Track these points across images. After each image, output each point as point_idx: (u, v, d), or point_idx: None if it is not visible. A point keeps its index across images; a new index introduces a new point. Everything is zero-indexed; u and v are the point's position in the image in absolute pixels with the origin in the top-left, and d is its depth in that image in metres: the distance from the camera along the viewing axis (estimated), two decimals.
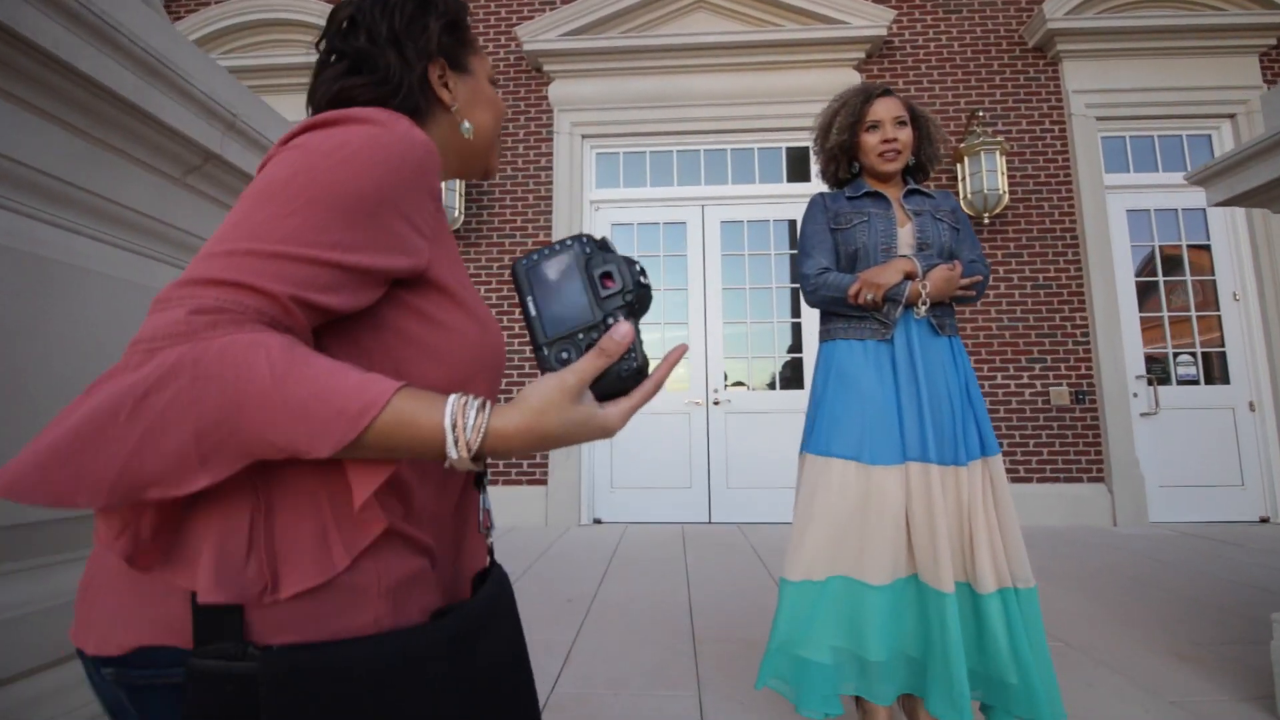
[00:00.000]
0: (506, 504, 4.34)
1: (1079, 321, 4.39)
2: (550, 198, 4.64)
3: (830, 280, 1.48)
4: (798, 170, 4.76)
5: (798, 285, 4.83)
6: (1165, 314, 4.50)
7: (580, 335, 0.51)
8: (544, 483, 4.38)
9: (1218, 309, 4.48)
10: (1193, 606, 2.43)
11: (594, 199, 4.74)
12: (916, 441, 1.37)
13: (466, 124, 0.68)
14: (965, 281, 1.45)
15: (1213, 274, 4.51)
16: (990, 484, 1.36)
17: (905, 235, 1.50)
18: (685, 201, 4.73)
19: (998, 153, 4.21)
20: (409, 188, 0.52)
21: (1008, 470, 4.24)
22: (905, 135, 1.52)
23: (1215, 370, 4.44)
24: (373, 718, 0.46)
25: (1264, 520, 4.26)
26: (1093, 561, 3.18)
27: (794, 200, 4.70)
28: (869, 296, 1.41)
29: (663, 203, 4.73)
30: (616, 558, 3.39)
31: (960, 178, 4.38)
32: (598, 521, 4.45)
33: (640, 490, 4.48)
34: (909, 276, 1.42)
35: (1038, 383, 4.34)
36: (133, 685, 0.46)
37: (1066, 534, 3.86)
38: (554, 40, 4.60)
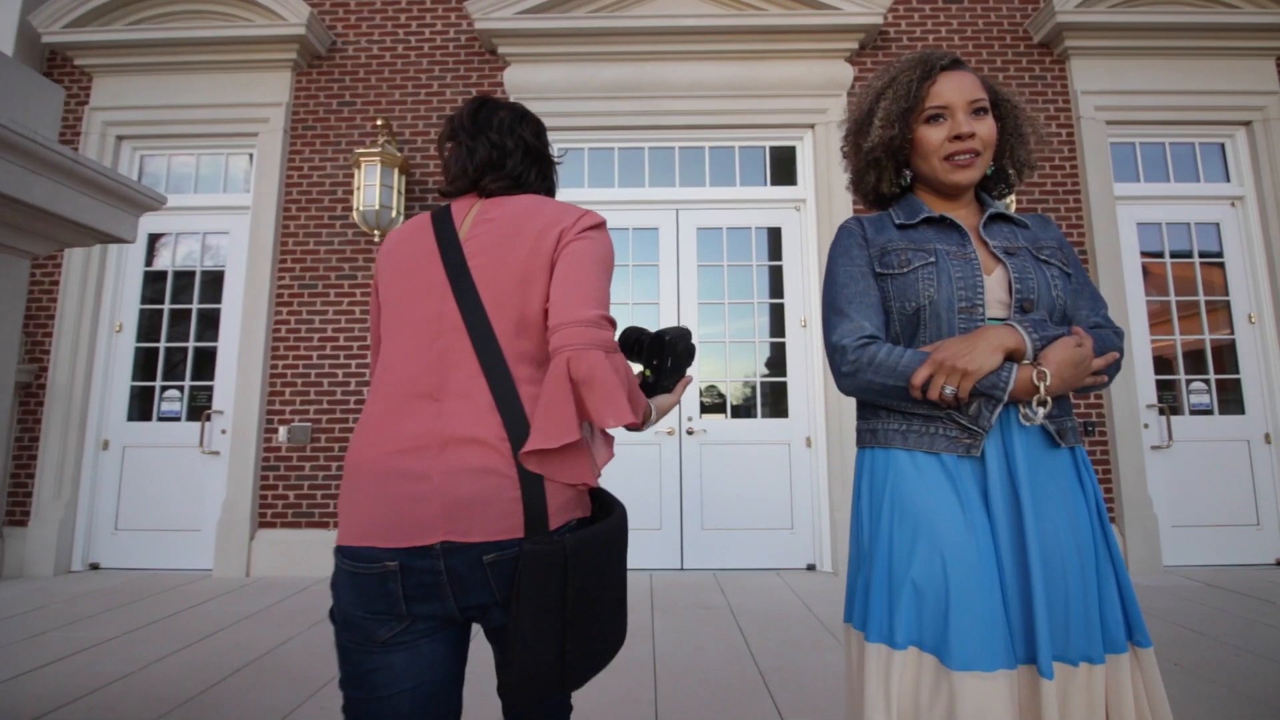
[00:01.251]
0: None
1: None
2: None
3: (881, 359, 0.97)
4: (783, 173, 4.28)
5: (777, 300, 4.45)
6: (1178, 337, 4.14)
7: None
8: None
9: (1232, 332, 4.14)
10: (1253, 707, 1.99)
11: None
12: (1027, 626, 0.87)
13: None
14: (1100, 363, 0.96)
15: (1227, 294, 4.17)
16: (1144, 692, 0.86)
17: (995, 286, 1.00)
18: (658, 204, 4.21)
19: None
20: None
21: None
22: (986, 129, 1.02)
23: (1229, 398, 4.09)
24: (609, 561, 0.91)
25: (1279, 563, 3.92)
26: None
27: (779, 206, 4.21)
28: (948, 390, 0.90)
29: (632, 205, 4.21)
30: None
31: None
32: None
33: None
34: (1012, 357, 0.92)
35: None
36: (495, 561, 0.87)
37: None
38: (510, 19, 4.03)
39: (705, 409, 4.08)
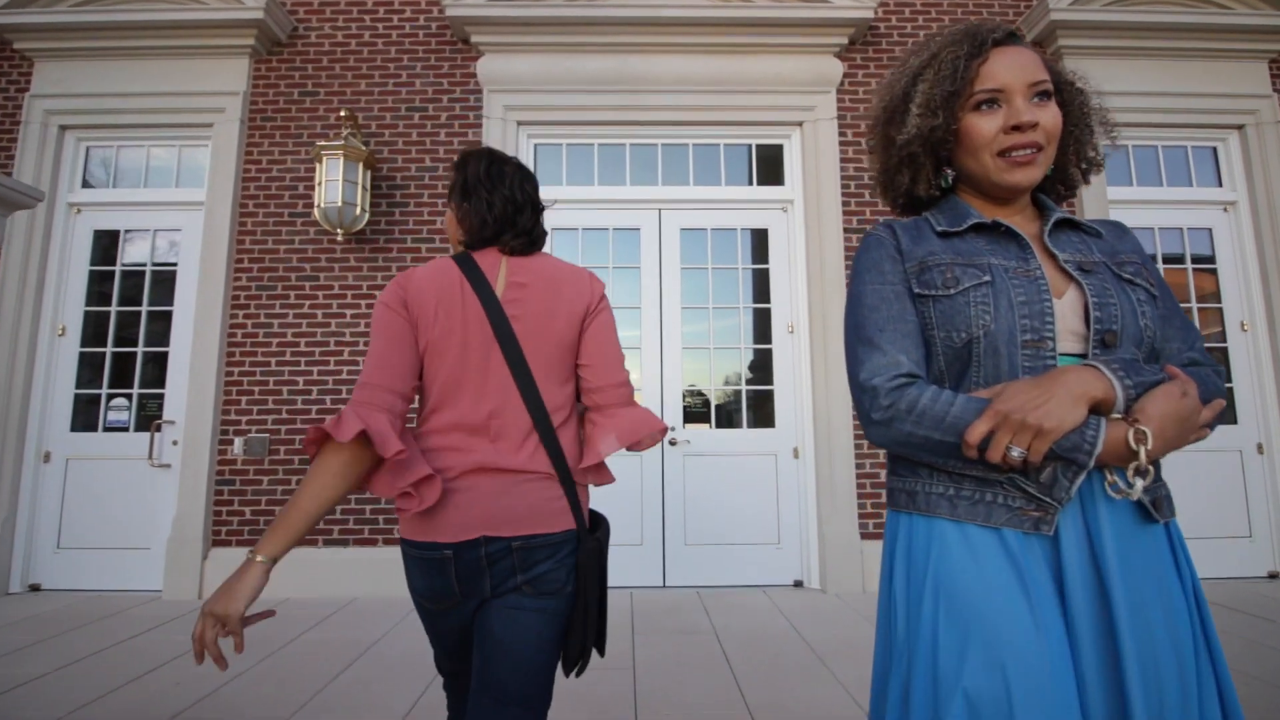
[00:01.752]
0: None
1: None
2: None
3: (925, 406, 0.77)
4: (769, 172, 4.11)
5: (763, 305, 4.30)
6: None
7: None
8: None
9: (1224, 340, 4.06)
10: None
11: None
12: None
13: None
14: (1208, 415, 0.77)
15: (1219, 301, 4.09)
16: None
17: (1068, 313, 0.80)
18: (639, 204, 4.02)
19: None
20: None
21: None
22: (1050, 118, 0.83)
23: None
24: (605, 549, 1.19)
25: (1273, 576, 3.85)
26: None
27: (765, 206, 4.05)
28: (1015, 452, 0.71)
29: (613, 204, 4.02)
30: None
31: None
32: None
33: None
34: (1098, 409, 0.72)
35: None
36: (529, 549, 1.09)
37: None
38: (484, 5, 3.81)
39: (689, 418, 3.91)
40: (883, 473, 3.71)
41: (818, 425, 3.75)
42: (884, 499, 3.38)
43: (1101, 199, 3.96)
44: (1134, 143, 4.18)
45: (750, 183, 4.10)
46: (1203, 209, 4.14)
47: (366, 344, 3.73)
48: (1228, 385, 4.02)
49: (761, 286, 4.04)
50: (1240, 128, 4.12)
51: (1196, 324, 4.03)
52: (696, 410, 3.93)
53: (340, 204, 3.51)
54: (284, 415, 3.66)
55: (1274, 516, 3.88)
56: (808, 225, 3.92)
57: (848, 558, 3.60)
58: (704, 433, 3.88)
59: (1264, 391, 3.95)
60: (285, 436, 3.64)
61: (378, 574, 3.52)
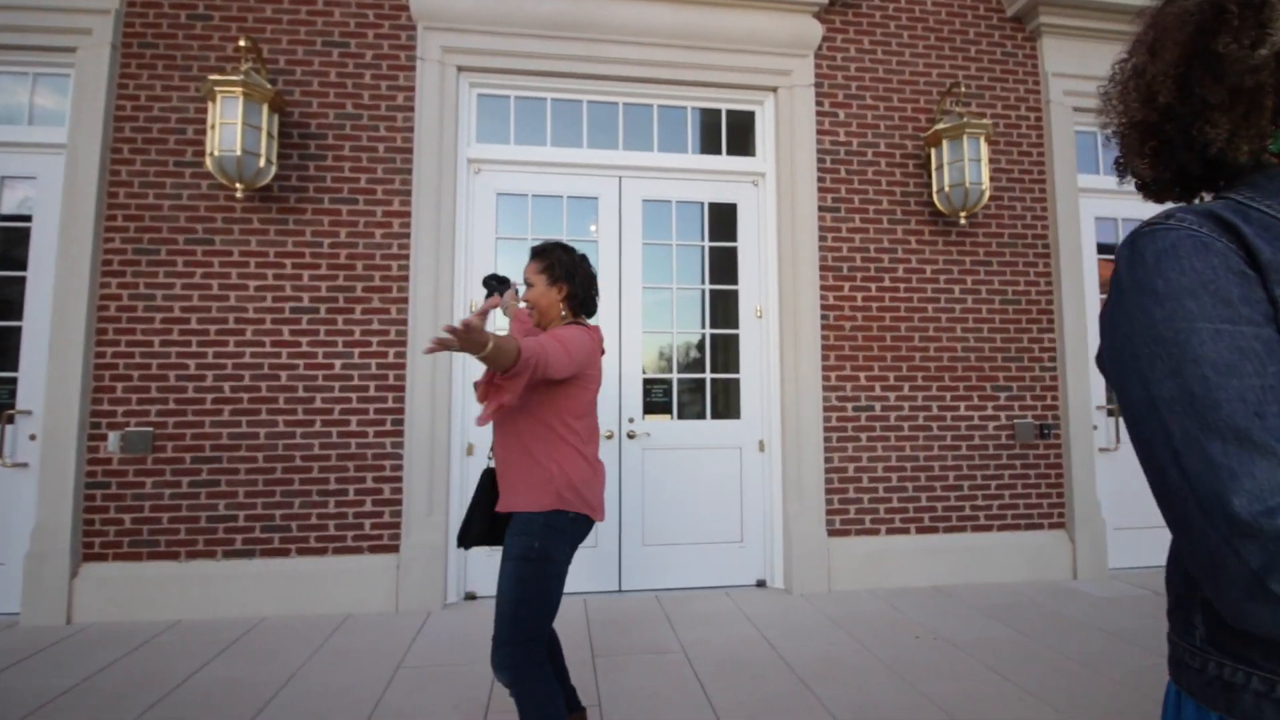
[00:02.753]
0: (339, 582, 3.10)
1: (1047, 344, 3.82)
2: (410, 151, 3.33)
3: None
4: (739, 142, 3.78)
5: (730, 287, 3.99)
6: None
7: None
8: (394, 549, 3.17)
9: None
10: None
11: (473, 157, 3.48)
12: None
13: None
14: None
15: None
16: None
17: None
18: (598, 170, 3.60)
19: (982, 138, 3.46)
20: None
21: (968, 518, 3.62)
22: None
23: None
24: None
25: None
26: (1072, 651, 2.54)
27: (735, 179, 3.72)
28: None
29: (568, 169, 3.58)
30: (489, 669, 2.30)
31: (935, 166, 3.61)
32: (471, 597, 3.33)
33: None
34: None
35: (1002, 414, 3.74)
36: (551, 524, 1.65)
37: (1026, 599, 3.28)
38: None
39: (649, 408, 3.59)
40: (852, 467, 3.53)
41: (785, 417, 3.52)
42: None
43: (1072, 186, 3.86)
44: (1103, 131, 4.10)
45: (720, 152, 3.75)
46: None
47: (274, 322, 3.18)
48: None
49: (728, 266, 3.73)
50: None
51: None
52: (658, 400, 3.62)
53: (239, 153, 2.91)
54: (171, 405, 3.07)
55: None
56: (780, 201, 3.62)
57: (814, 557, 3.41)
58: (665, 424, 3.57)
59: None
60: (173, 431, 3.06)
61: (292, 589, 3.04)
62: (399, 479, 3.18)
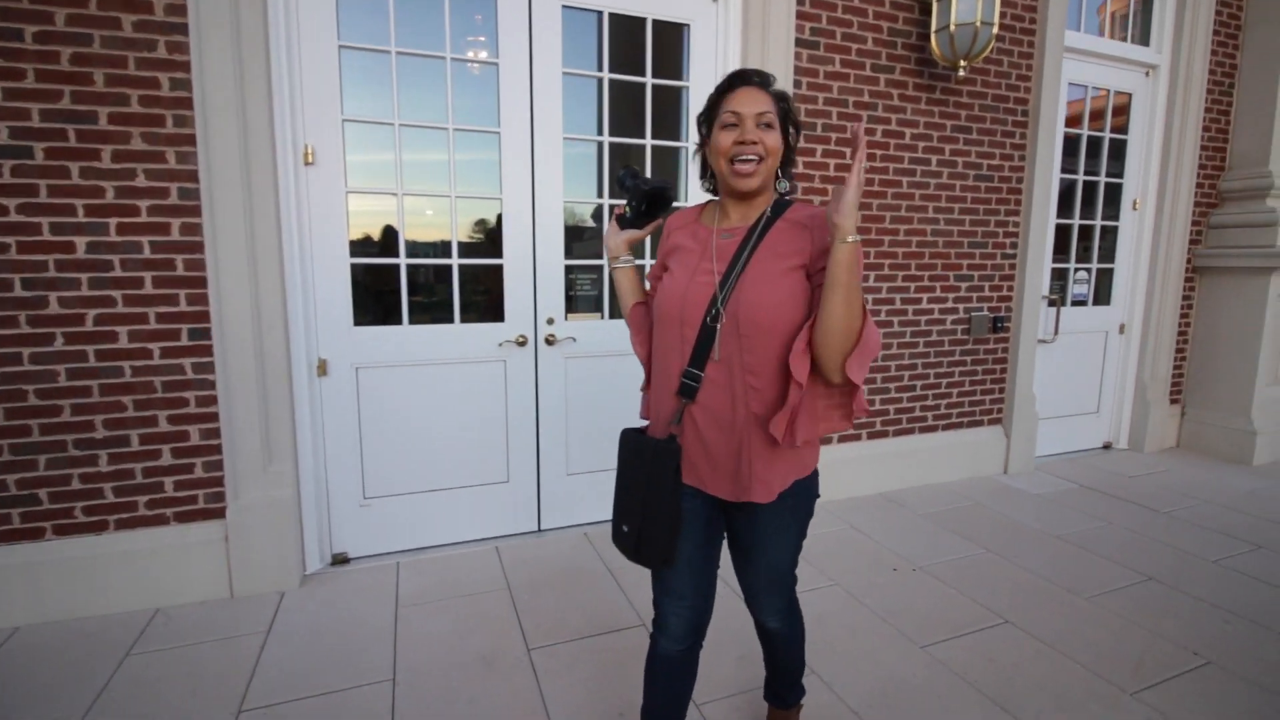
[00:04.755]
0: (132, 567, 2.12)
1: (1012, 228, 3.44)
2: None
3: None
4: None
5: (676, 143, 3.00)
6: (1076, 221, 3.80)
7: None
8: (216, 513, 2.21)
9: (1117, 219, 3.91)
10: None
11: None
12: None
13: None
14: None
15: (1121, 176, 3.87)
16: None
17: None
18: None
19: None
20: None
21: (917, 419, 3.33)
22: None
23: (1103, 288, 3.97)
24: None
25: (1106, 446, 4.12)
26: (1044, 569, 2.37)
27: None
28: None
29: None
30: (384, 655, 1.59)
31: (932, 8, 2.85)
32: (341, 560, 2.50)
33: (421, 496, 2.59)
34: None
35: (961, 307, 3.37)
36: None
37: (970, 503, 3.13)
38: None
39: (572, 306, 2.76)
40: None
41: None
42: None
43: (1058, 45, 3.31)
44: None
45: None
46: (1129, 70, 3.74)
47: None
48: (1110, 266, 3.94)
49: (671, 111, 2.83)
50: None
51: (1101, 202, 3.77)
52: (585, 294, 2.79)
53: None
54: None
55: (1119, 392, 4.06)
56: (747, 26, 2.70)
57: None
58: (593, 325, 2.78)
59: (1137, 271, 3.93)
60: None
61: (56, 585, 2.03)
62: (213, 417, 2.15)
